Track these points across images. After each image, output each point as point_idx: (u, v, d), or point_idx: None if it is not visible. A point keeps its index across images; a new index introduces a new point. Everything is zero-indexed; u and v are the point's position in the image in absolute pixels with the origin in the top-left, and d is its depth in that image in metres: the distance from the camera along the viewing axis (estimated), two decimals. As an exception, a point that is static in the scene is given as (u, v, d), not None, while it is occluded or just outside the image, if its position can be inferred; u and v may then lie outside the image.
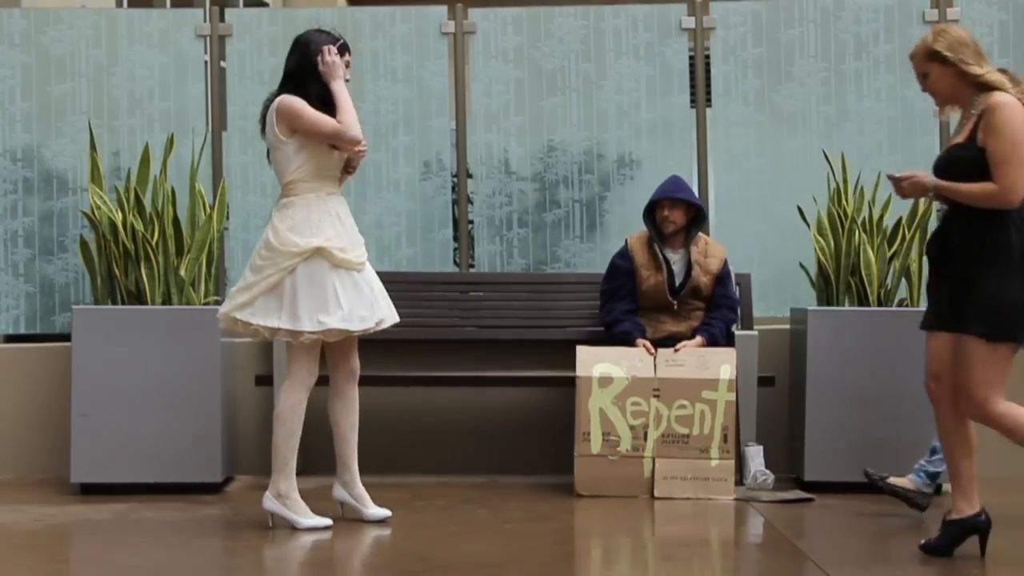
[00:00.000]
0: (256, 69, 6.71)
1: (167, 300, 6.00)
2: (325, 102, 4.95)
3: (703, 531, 5.22)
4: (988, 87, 4.36)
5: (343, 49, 5.05)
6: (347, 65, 5.06)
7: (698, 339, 5.98)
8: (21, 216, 6.63)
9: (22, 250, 6.61)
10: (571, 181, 6.78)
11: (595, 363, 5.81)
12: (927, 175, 4.45)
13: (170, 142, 6.28)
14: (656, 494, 5.70)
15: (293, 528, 4.92)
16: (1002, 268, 4.27)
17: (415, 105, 6.77)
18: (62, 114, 6.67)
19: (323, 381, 5.08)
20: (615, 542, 5.05)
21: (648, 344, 5.93)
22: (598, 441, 5.74)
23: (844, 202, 6.15)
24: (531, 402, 6.48)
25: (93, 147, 6.25)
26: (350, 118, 4.92)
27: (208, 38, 6.74)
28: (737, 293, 6.20)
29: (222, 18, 6.74)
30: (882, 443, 5.79)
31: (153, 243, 5.97)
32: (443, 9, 6.81)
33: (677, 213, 6.08)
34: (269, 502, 4.97)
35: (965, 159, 4.35)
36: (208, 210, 6.15)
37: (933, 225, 5.69)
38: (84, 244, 6.24)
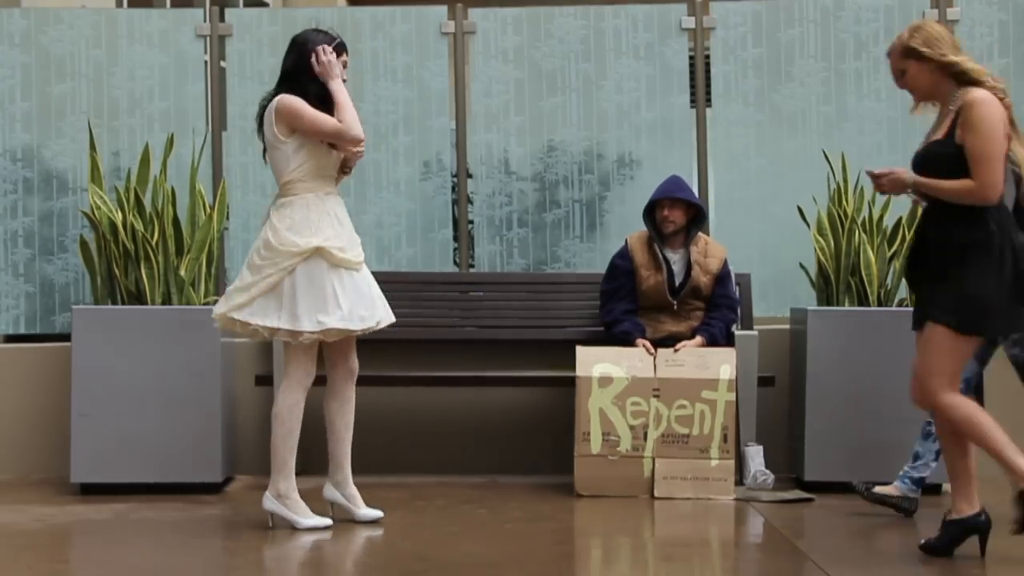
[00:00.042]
0: (256, 69, 6.71)
1: (167, 300, 6.00)
2: (324, 101, 4.93)
3: (703, 531, 5.22)
4: (967, 77, 4.36)
5: (340, 49, 5.03)
6: (344, 65, 5.03)
7: (698, 339, 5.98)
8: (21, 216, 6.63)
9: (22, 250, 6.61)
10: (571, 181, 6.78)
11: (595, 363, 5.81)
12: (906, 171, 4.45)
13: (170, 142, 6.28)
14: (656, 494, 5.69)
15: (293, 528, 4.92)
16: (980, 264, 4.27)
17: (415, 105, 6.76)
18: (62, 114, 6.67)
19: (321, 381, 5.08)
20: (615, 542, 5.05)
21: (648, 344, 5.93)
22: (598, 441, 5.74)
23: (844, 202, 6.15)
24: (531, 402, 6.48)
25: (93, 147, 6.25)
26: (351, 117, 4.90)
27: (208, 38, 6.73)
28: (737, 293, 6.20)
29: (222, 18, 6.74)
30: (882, 443, 5.79)
31: (153, 243, 5.97)
32: (443, 9, 6.81)
33: (677, 213, 6.07)
34: (269, 502, 4.96)
35: (943, 155, 4.35)
36: (208, 210, 6.15)
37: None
38: (84, 244, 6.24)
